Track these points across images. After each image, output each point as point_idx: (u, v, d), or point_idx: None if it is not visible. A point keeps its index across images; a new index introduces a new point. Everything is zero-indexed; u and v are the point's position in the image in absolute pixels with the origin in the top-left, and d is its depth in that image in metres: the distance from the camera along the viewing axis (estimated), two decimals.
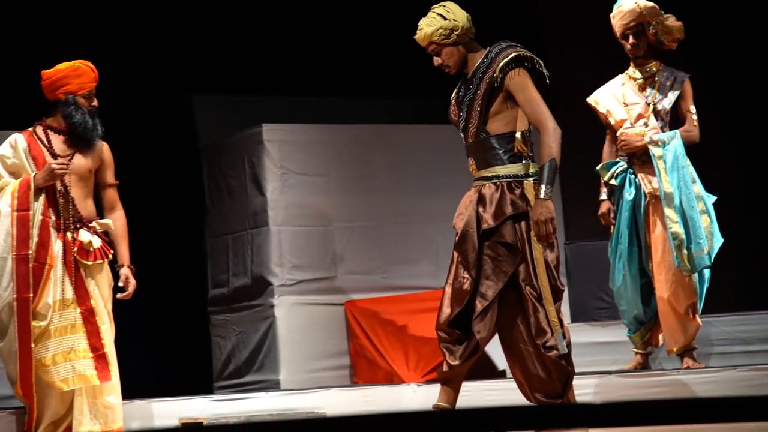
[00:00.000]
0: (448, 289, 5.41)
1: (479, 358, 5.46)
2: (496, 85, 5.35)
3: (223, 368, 8.21)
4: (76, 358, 5.95)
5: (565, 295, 8.03)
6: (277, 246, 7.89)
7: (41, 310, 5.98)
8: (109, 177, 6.29)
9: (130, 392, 6.38)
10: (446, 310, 5.38)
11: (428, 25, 5.46)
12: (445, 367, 5.43)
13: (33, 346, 5.93)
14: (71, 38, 8.17)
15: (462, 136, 5.51)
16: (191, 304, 8.62)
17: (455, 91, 5.59)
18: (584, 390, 6.31)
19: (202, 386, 8.02)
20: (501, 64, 5.35)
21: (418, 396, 6.81)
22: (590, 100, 6.69)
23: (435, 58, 5.50)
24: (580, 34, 8.57)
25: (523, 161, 5.38)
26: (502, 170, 5.38)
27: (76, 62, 6.14)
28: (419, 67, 8.88)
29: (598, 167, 6.60)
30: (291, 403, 6.67)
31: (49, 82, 6.13)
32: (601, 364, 7.04)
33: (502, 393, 6.35)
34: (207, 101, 8.78)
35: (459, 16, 5.46)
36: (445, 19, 5.44)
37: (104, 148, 6.26)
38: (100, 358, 5.99)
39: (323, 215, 8.09)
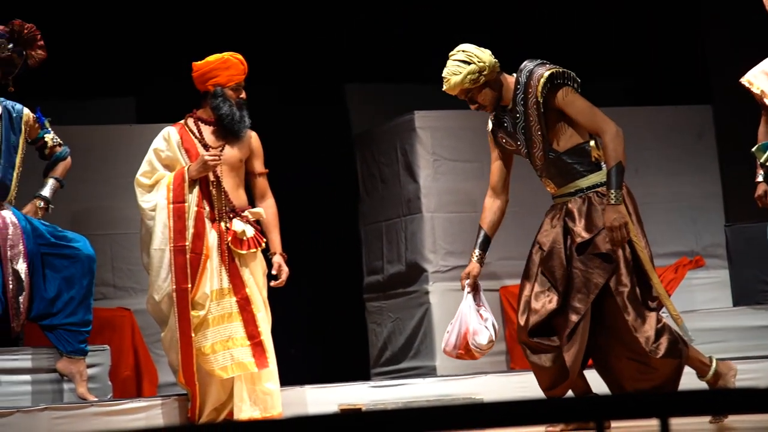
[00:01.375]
0: (533, 304, 5.33)
1: None
2: (542, 110, 5.29)
3: (380, 355, 8.24)
4: (234, 346, 6.04)
5: (727, 277, 7.89)
6: (431, 232, 7.89)
7: (199, 300, 6.08)
8: (259, 166, 6.36)
9: (289, 379, 6.46)
10: (524, 321, 5.32)
11: (454, 74, 5.38)
12: (543, 390, 5.41)
13: (193, 335, 6.04)
14: (224, 29, 8.30)
15: (528, 161, 5.47)
16: (347, 292, 8.68)
17: (494, 124, 5.53)
18: (749, 375, 6.17)
19: (360, 373, 8.07)
20: (539, 87, 5.28)
21: None
22: (744, 80, 6.50)
23: (471, 104, 5.45)
24: (741, 14, 8.36)
25: (603, 167, 5.31)
26: (584, 183, 5.33)
27: (226, 54, 6.22)
28: (573, 49, 8.79)
29: (753, 149, 6.42)
30: (448, 388, 6.67)
31: (199, 74, 6.23)
32: (765, 348, 6.87)
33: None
34: (359, 90, 8.82)
35: (482, 57, 5.37)
36: (469, 63, 5.36)
37: (253, 137, 6.33)
38: (257, 345, 6.06)
39: (476, 201, 8.05)
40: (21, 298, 5.89)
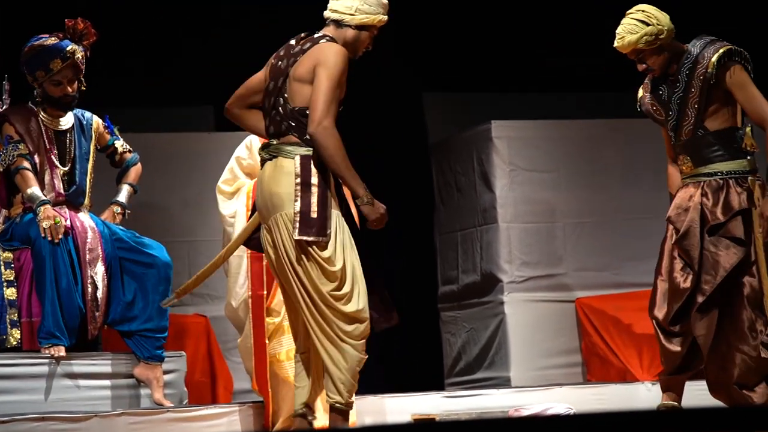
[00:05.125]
0: (663, 285, 5.32)
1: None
2: (712, 82, 5.23)
3: (454, 365, 8.23)
4: None
5: None
6: (507, 243, 7.86)
7: (275, 307, 6.10)
8: None
9: (362, 388, 6.46)
10: (664, 307, 5.30)
11: (630, 33, 5.32)
12: (664, 373, 5.37)
13: (267, 342, 6.06)
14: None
15: (672, 134, 5.40)
16: (421, 301, 8.67)
17: (649, 90, 5.48)
18: None
19: (434, 383, 8.05)
20: (713, 59, 5.23)
21: (652, 394, 6.67)
22: None
23: (639, 64, 5.40)
24: None
25: (748, 157, 5.27)
26: (723, 167, 5.29)
27: None
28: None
29: None
30: (522, 400, 6.62)
31: None
32: None
33: None
34: (436, 99, 8.81)
35: (662, 20, 5.32)
36: (648, 24, 5.30)
37: None
38: None
39: (552, 211, 8.00)
40: (98, 302, 5.96)
